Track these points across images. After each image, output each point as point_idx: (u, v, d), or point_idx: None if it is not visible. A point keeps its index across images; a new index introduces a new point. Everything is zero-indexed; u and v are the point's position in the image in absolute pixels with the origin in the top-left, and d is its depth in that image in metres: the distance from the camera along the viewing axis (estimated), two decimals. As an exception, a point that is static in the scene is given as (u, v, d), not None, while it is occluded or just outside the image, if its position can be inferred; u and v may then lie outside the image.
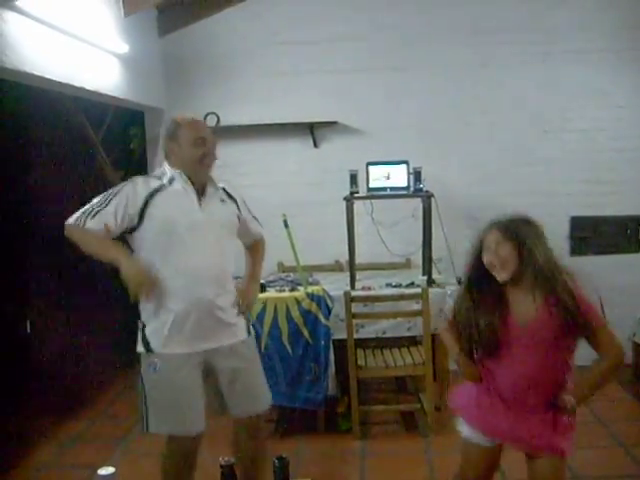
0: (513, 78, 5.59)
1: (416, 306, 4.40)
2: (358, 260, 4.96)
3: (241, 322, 3.20)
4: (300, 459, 4.24)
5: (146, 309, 3.05)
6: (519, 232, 2.54)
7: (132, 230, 2.96)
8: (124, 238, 3.02)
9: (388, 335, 4.68)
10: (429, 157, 5.26)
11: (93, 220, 2.90)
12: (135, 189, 2.94)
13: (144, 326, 3.07)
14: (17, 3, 3.33)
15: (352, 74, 5.61)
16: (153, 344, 3.03)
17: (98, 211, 2.90)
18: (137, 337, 3.09)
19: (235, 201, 3.23)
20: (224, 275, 3.11)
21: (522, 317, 2.55)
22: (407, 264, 5.54)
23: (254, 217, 3.41)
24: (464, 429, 2.87)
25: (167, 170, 3.02)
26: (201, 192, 3.03)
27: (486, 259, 2.57)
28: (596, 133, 5.58)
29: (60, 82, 3.90)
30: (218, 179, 3.16)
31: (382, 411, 4.79)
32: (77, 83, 4.10)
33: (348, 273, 4.90)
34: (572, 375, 2.62)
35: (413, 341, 4.81)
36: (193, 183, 3.00)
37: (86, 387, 5.41)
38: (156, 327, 3.03)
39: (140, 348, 3.09)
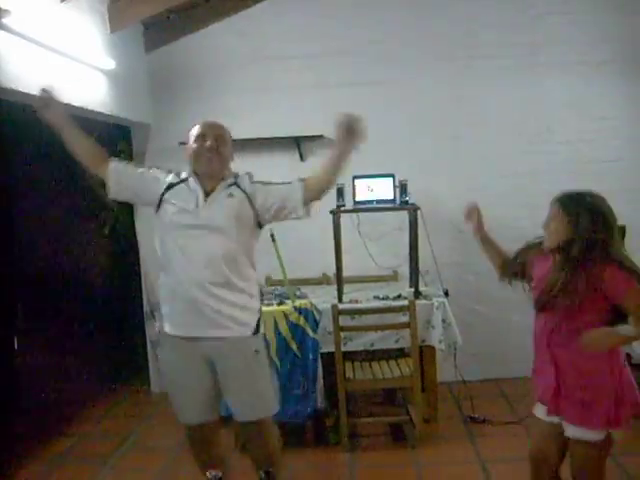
0: (497, 91, 5.63)
1: (403, 318, 4.42)
2: (345, 273, 4.97)
3: (246, 319, 3.24)
4: (289, 473, 4.24)
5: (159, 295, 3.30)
6: (571, 209, 2.76)
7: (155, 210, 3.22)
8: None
9: (376, 347, 4.69)
10: (415, 170, 5.28)
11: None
12: (160, 178, 3.26)
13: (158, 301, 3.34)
14: (3, 20, 3.34)
15: (338, 88, 5.63)
16: (161, 324, 3.31)
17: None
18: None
19: (246, 193, 3.26)
20: (222, 274, 3.14)
21: (552, 282, 2.75)
22: (394, 276, 5.56)
23: (283, 184, 3.38)
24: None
25: (185, 171, 3.27)
26: (209, 192, 3.17)
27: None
28: (580, 145, 5.62)
29: (46, 98, 3.90)
30: (238, 174, 3.34)
31: (371, 423, 4.79)
32: (63, 99, 4.10)
33: (335, 286, 4.91)
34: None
35: (401, 353, 4.82)
36: (201, 183, 3.18)
37: (73, 404, 5.39)
38: (163, 311, 3.27)
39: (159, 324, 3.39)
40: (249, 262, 3.30)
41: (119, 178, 3.25)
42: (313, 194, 3.25)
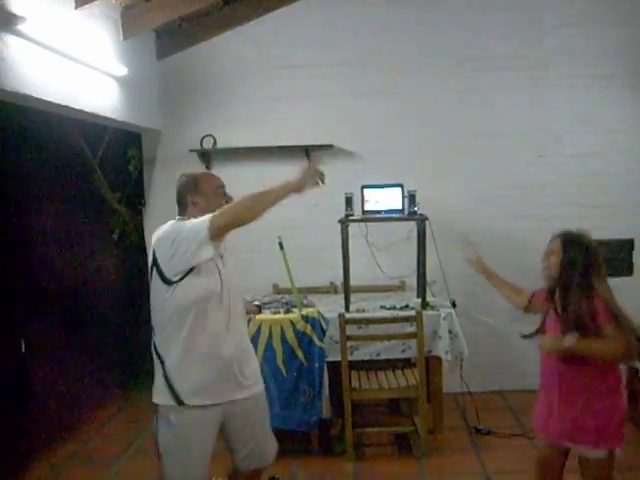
0: (507, 103, 5.64)
1: (410, 328, 4.42)
2: (353, 282, 4.97)
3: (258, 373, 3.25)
4: (294, 481, 4.26)
5: (176, 358, 2.94)
6: (573, 245, 3.03)
7: (186, 274, 2.88)
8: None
9: (382, 357, 4.68)
10: (424, 180, 5.29)
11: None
12: None
13: (169, 376, 2.94)
14: (18, 27, 3.37)
15: (348, 98, 5.66)
16: (185, 396, 2.93)
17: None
18: (157, 387, 2.98)
19: None
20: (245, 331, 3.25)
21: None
22: (402, 286, 5.56)
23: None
24: None
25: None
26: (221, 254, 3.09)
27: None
28: (589, 157, 5.63)
29: (59, 104, 3.94)
30: None
31: (376, 433, 4.79)
32: (76, 105, 4.14)
33: (343, 295, 4.92)
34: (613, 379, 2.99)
35: (407, 363, 4.82)
36: None
37: (80, 407, 5.40)
38: (192, 377, 2.94)
39: (164, 400, 2.96)
40: None
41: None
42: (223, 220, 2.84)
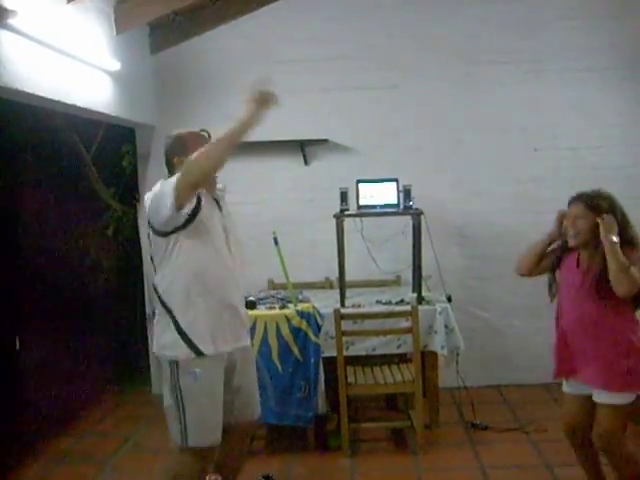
0: (502, 96, 5.63)
1: (406, 323, 4.41)
2: (348, 277, 4.97)
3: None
4: (290, 477, 4.25)
5: (189, 311, 3.00)
6: (600, 205, 3.14)
7: (179, 228, 2.96)
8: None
9: (378, 352, 4.68)
10: (419, 175, 5.28)
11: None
12: None
13: (185, 330, 2.99)
14: (9, 21, 3.34)
15: (343, 92, 5.64)
16: (203, 346, 3.00)
17: None
18: (172, 343, 3.02)
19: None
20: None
21: (588, 269, 3.14)
22: (397, 281, 5.55)
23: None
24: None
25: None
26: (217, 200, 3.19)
27: (564, 225, 3.22)
28: (585, 151, 5.62)
29: (52, 99, 3.91)
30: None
31: (372, 429, 4.79)
32: (69, 100, 4.11)
33: (338, 290, 4.90)
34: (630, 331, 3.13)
35: (403, 358, 4.81)
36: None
37: (74, 405, 5.38)
38: (206, 327, 3.01)
39: (184, 354, 3.00)
40: None
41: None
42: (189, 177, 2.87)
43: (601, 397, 3.10)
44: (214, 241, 3.07)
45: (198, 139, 3.12)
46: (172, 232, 2.96)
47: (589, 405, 3.19)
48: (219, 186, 3.27)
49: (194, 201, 2.93)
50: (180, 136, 3.17)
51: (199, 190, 2.96)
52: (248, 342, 3.31)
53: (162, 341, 3.07)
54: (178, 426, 3.05)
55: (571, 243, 3.20)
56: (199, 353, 2.98)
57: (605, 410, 3.09)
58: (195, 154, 2.84)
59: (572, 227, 3.18)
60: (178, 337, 2.98)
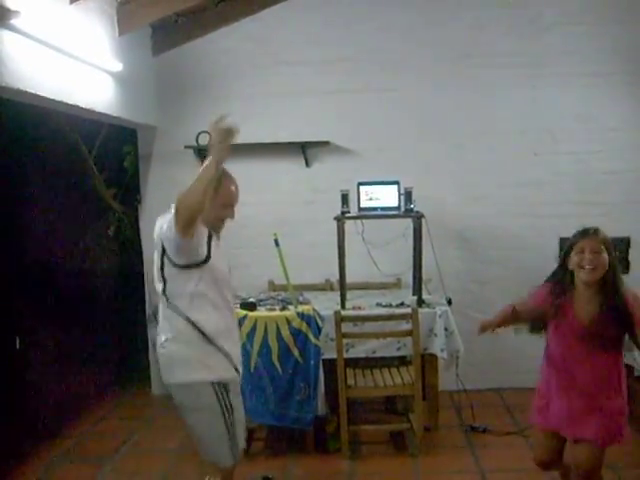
0: (503, 100, 5.63)
1: (406, 326, 4.41)
2: (349, 279, 4.97)
3: None
4: (289, 479, 4.25)
5: (220, 339, 3.10)
6: (610, 244, 3.07)
7: (201, 263, 3.02)
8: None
9: (378, 355, 4.68)
10: (420, 178, 5.28)
11: None
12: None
13: (227, 351, 3.12)
14: (12, 21, 3.35)
15: (344, 95, 5.64)
16: (239, 367, 3.21)
17: None
18: (217, 365, 3.09)
19: None
20: None
21: (587, 314, 3.05)
22: (397, 284, 5.55)
23: None
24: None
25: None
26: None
27: (577, 260, 3.05)
28: (585, 155, 5.61)
29: (54, 99, 3.91)
30: None
31: (371, 431, 4.78)
32: (71, 101, 4.12)
33: (339, 292, 4.91)
34: (623, 377, 3.11)
35: (403, 361, 4.82)
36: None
37: (74, 405, 5.39)
38: (232, 351, 3.15)
39: (230, 375, 3.14)
40: None
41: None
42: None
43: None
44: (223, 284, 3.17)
45: (228, 194, 3.22)
46: (188, 267, 3.01)
47: (562, 439, 3.21)
48: None
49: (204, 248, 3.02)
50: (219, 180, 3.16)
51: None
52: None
53: (204, 364, 3.07)
54: (228, 447, 3.11)
55: (589, 277, 3.03)
56: (236, 370, 3.18)
57: (587, 452, 3.06)
58: (181, 198, 2.82)
59: (592, 261, 3.02)
60: (224, 359, 3.10)
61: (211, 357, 3.06)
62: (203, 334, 3.03)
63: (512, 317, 3.32)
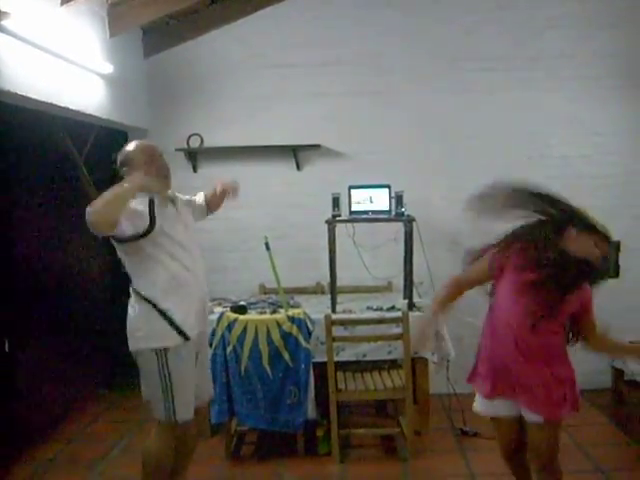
0: (495, 104, 5.65)
1: (397, 329, 4.40)
2: (339, 283, 4.96)
3: None
4: (279, 483, 4.24)
5: (168, 302, 3.26)
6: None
7: (140, 236, 3.24)
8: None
9: (368, 358, 4.67)
10: (411, 181, 5.29)
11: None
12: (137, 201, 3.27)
13: (171, 318, 3.26)
14: (2, 23, 3.34)
15: (336, 98, 5.65)
16: (188, 331, 3.30)
17: None
18: (157, 333, 3.26)
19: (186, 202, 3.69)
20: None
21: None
22: (389, 287, 5.55)
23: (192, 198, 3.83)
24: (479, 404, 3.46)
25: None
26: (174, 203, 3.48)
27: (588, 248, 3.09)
28: (577, 160, 5.64)
29: (44, 101, 3.91)
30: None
31: (362, 435, 4.78)
32: (61, 103, 4.11)
33: (329, 296, 4.90)
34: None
35: (393, 364, 4.81)
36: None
37: (63, 408, 5.36)
38: (184, 315, 3.29)
39: (171, 341, 3.26)
40: None
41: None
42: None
43: (535, 418, 3.04)
44: (175, 244, 3.34)
45: (145, 150, 3.61)
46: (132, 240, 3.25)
47: (520, 425, 3.19)
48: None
49: (146, 218, 3.23)
50: (126, 153, 3.64)
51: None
52: (207, 328, 3.68)
53: (147, 333, 3.27)
54: (164, 406, 3.30)
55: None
56: (187, 339, 3.29)
57: (540, 432, 3.05)
58: (97, 205, 3.23)
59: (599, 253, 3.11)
60: (167, 325, 3.24)
61: (154, 325, 3.24)
62: (147, 301, 3.25)
63: (457, 289, 3.52)
